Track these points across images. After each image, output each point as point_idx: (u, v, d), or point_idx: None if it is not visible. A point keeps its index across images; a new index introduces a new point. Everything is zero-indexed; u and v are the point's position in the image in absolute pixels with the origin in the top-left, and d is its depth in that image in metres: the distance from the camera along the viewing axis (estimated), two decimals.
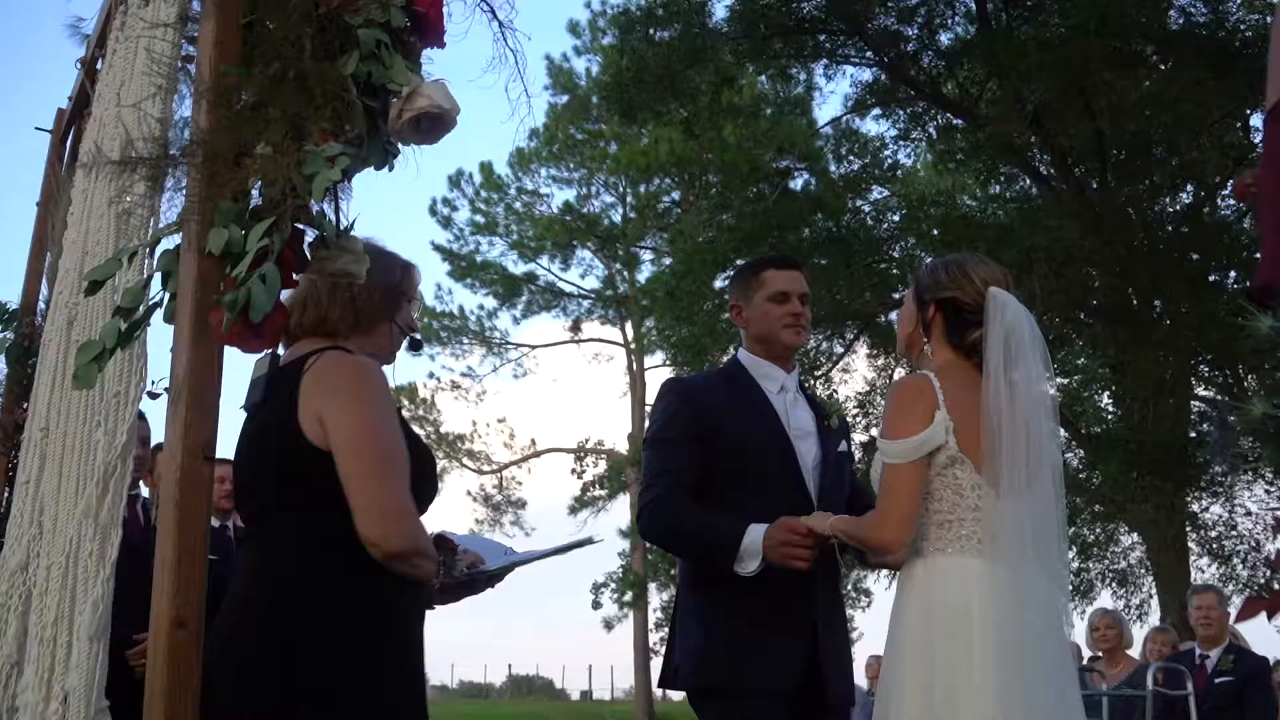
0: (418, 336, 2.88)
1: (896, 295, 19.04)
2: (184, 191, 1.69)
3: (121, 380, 1.91)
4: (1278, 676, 7.42)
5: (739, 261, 20.13)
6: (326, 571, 2.36)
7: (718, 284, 20.10)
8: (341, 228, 1.79)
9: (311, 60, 1.79)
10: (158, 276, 1.68)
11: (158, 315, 1.67)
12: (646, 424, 3.77)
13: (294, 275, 1.64)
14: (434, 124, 1.93)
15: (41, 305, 3.52)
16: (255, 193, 1.65)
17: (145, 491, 5.62)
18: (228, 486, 6.05)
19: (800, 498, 3.29)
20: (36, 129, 3.75)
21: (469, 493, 36.46)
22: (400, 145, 2.00)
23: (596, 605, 32.12)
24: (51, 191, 3.60)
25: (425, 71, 2.01)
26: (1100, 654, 7.52)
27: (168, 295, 1.66)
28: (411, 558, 2.35)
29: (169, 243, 1.69)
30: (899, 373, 18.75)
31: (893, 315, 19.87)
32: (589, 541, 3.16)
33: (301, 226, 1.67)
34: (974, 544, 2.79)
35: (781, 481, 3.32)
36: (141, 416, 6.19)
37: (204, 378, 1.65)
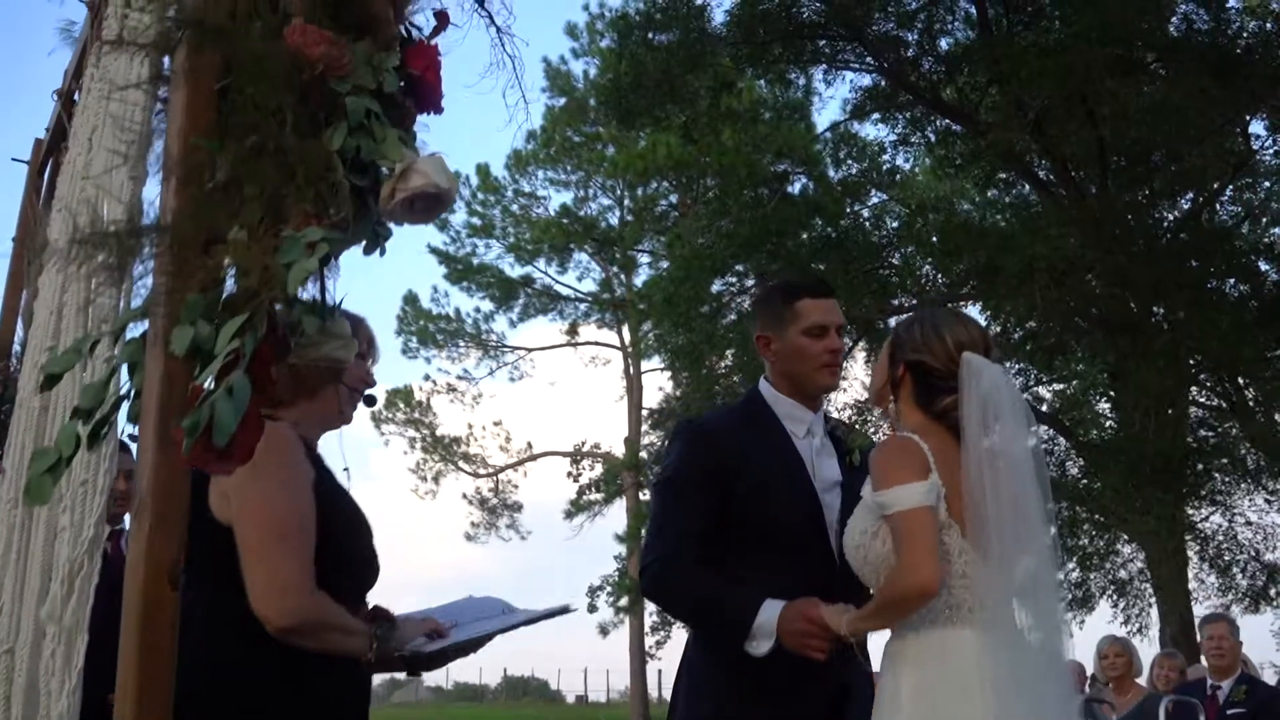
0: (372, 393, 2.76)
1: (895, 302, 18.96)
2: (151, 278, 1.54)
3: (90, 468, 1.77)
4: None
5: (738, 267, 20.15)
6: (233, 655, 2.27)
7: (715, 288, 20.05)
8: (328, 310, 1.64)
9: (293, 133, 1.63)
10: (124, 369, 1.53)
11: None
12: (659, 464, 3.45)
13: (271, 371, 1.47)
14: (430, 204, 1.77)
15: (17, 347, 3.37)
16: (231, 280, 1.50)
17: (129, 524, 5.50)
18: None
19: (823, 556, 3.03)
20: (13, 160, 3.61)
21: (465, 496, 36.39)
22: (393, 226, 1.84)
23: (592, 609, 32.01)
24: (28, 226, 3.45)
25: (420, 141, 1.85)
26: (1109, 682, 7.37)
27: (134, 391, 1.51)
28: (308, 633, 2.25)
29: (136, 328, 1.55)
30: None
31: (892, 321, 19.77)
32: (565, 610, 3.01)
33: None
34: (964, 612, 2.66)
35: (804, 538, 3.05)
36: (124, 448, 6.11)
37: (170, 492, 1.48)
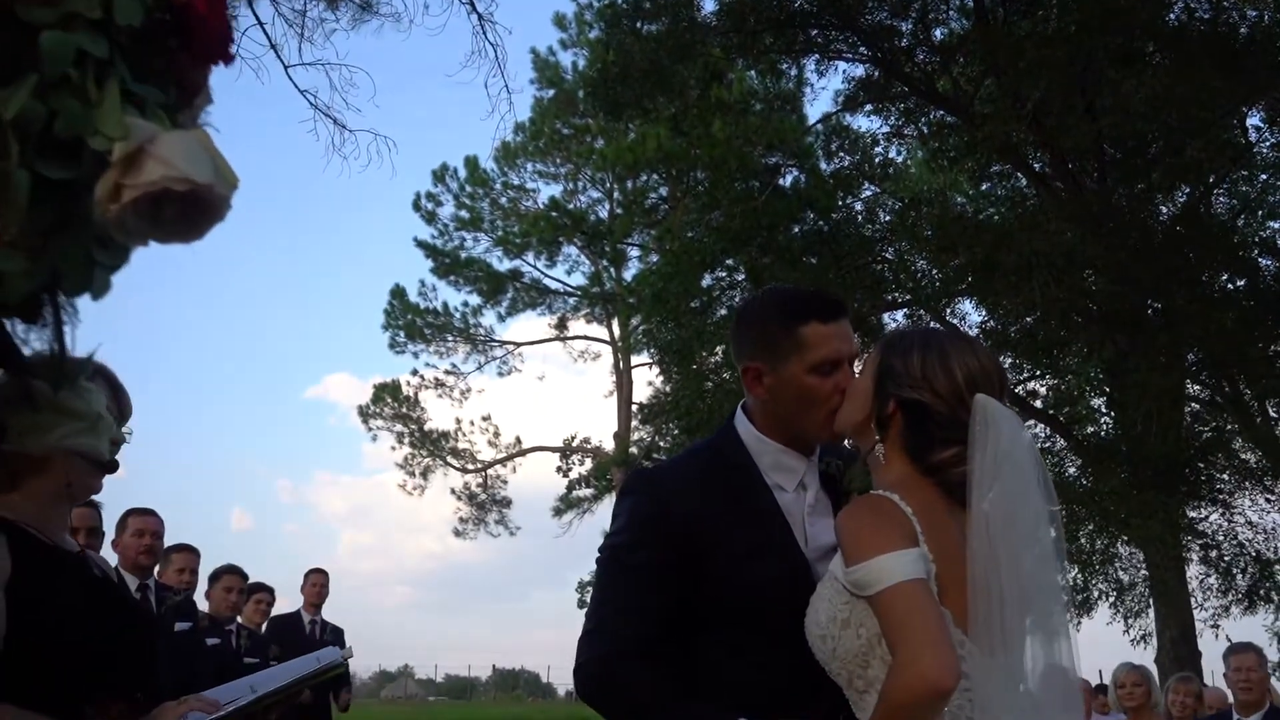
0: (116, 459, 2.34)
1: (890, 297, 18.63)
2: None
3: None
4: None
5: (729, 261, 19.85)
6: None
7: (705, 283, 19.74)
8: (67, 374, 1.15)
9: None
10: None
11: None
12: (608, 526, 2.59)
13: None
14: (187, 210, 1.13)
15: None
16: None
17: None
18: (148, 540, 5.60)
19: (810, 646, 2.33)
20: None
21: (453, 491, 36.08)
22: (132, 239, 1.16)
23: (582, 604, 31.70)
24: None
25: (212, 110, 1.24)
26: (1125, 713, 6.97)
27: None
28: None
29: None
30: None
31: (885, 317, 19.46)
32: (339, 665, 2.61)
33: None
34: None
35: (791, 621, 2.33)
36: (153, 512, 5.85)
37: None
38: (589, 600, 2.50)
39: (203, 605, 7.12)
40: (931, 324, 19.14)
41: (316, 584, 8.73)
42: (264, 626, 7.98)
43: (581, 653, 2.40)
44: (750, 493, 2.51)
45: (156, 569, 6.05)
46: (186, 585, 6.57)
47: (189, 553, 6.70)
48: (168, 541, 6.72)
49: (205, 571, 7.42)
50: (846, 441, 2.58)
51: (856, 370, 2.50)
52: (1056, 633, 2.18)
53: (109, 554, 5.55)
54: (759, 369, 2.52)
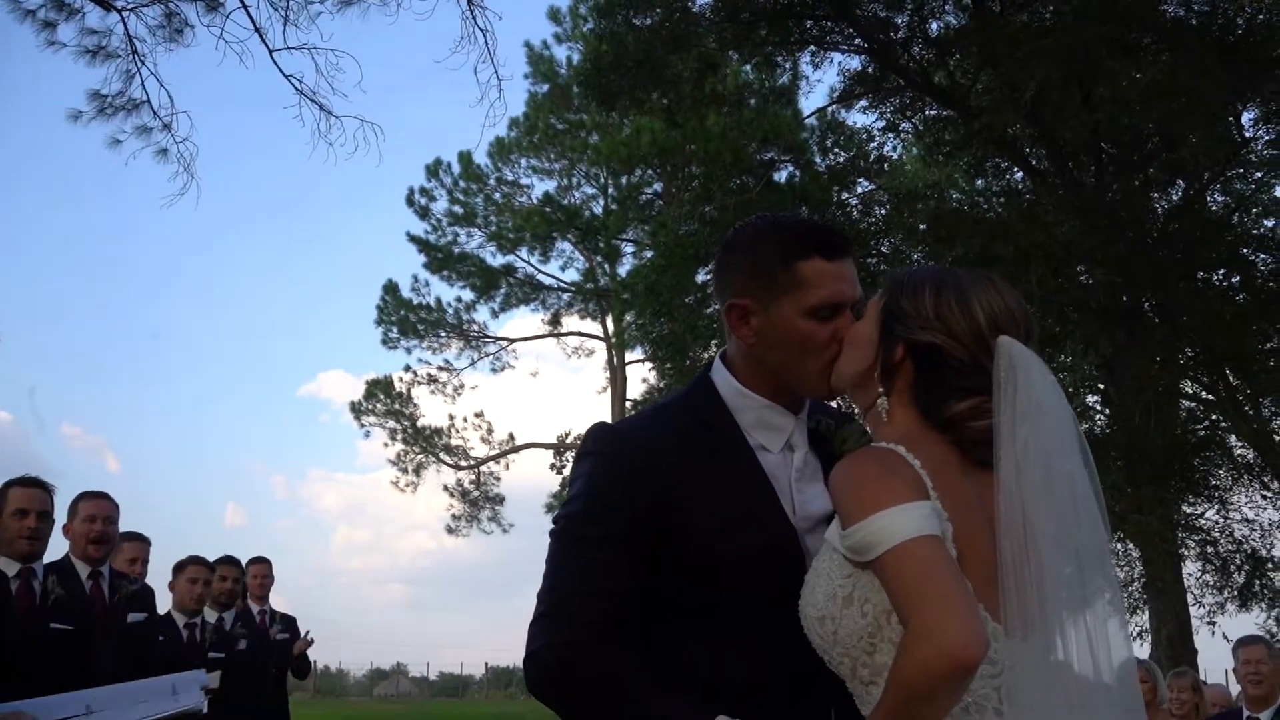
0: None
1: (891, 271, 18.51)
2: None
3: None
4: None
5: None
6: None
7: (699, 278, 19.63)
8: None
9: None
10: None
11: None
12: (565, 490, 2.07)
13: None
14: None
15: None
16: None
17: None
18: (99, 527, 5.39)
19: (800, 628, 1.99)
20: None
21: (446, 488, 35.88)
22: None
23: None
24: None
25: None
26: None
27: None
28: None
29: None
30: None
31: None
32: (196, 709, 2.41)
33: None
34: (990, 714, 1.79)
35: (775, 604, 2.02)
36: (105, 496, 5.63)
37: None
38: (542, 579, 2.12)
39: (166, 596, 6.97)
40: None
41: (258, 575, 8.54)
42: (229, 620, 7.79)
43: (533, 640, 2.06)
44: (729, 454, 2.16)
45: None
46: (137, 576, 6.37)
47: (139, 541, 6.49)
48: (165, 546, 6.60)
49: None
50: (838, 401, 2.30)
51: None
52: (1085, 605, 1.85)
53: (60, 540, 5.31)
54: (746, 306, 2.16)
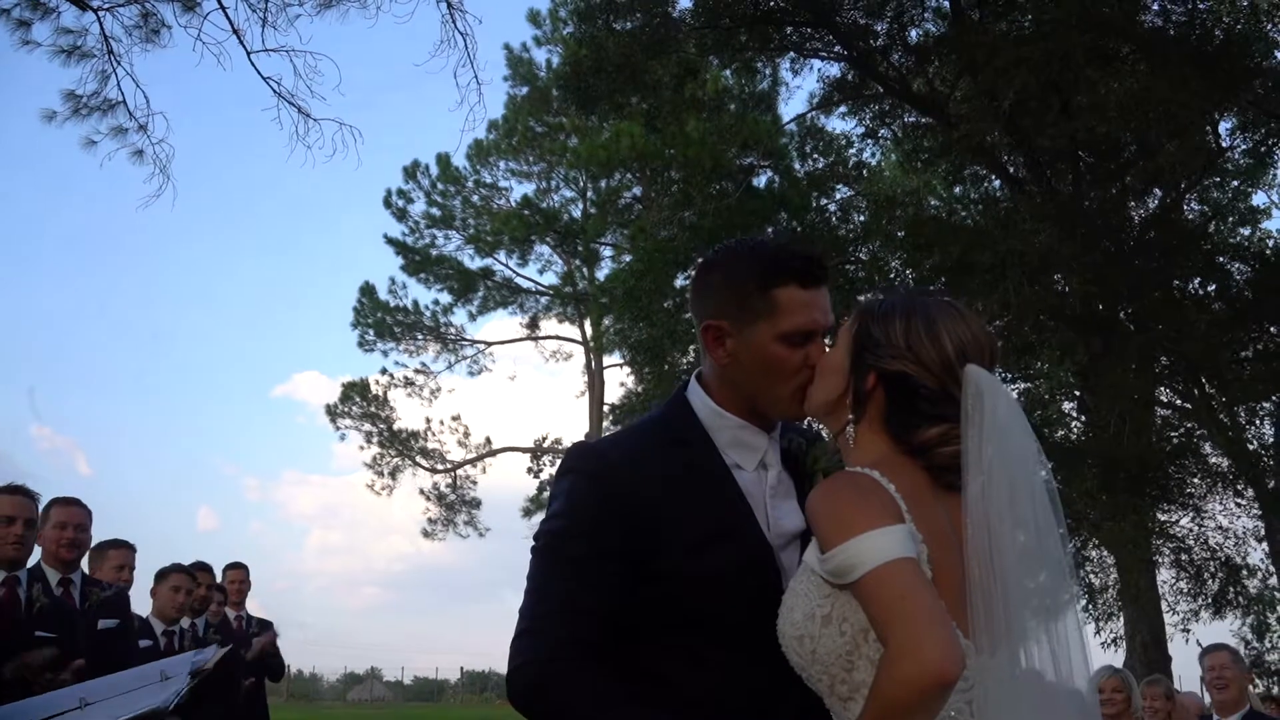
0: None
1: (863, 298, 18.54)
2: None
3: None
4: None
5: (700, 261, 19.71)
6: None
7: (678, 283, 19.63)
8: None
9: None
10: None
11: None
12: (545, 508, 2.19)
13: None
14: None
15: None
16: None
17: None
18: (70, 534, 5.35)
19: (773, 643, 2.04)
20: None
21: (422, 491, 35.78)
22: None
23: None
24: None
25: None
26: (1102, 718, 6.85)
27: None
28: None
29: None
30: None
31: None
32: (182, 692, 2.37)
33: None
34: None
35: (750, 619, 2.09)
36: (77, 502, 5.57)
37: None
38: (524, 595, 2.16)
39: (147, 604, 6.90)
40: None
41: (235, 580, 8.61)
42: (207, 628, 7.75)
43: (516, 656, 2.10)
44: (706, 472, 2.21)
45: (85, 563, 5.77)
46: (124, 583, 6.32)
47: (125, 549, 6.45)
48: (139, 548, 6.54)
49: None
50: (807, 421, 2.34)
51: (829, 346, 2.24)
52: (1049, 620, 1.93)
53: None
54: (722, 328, 2.22)
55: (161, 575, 7.03)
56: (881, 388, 2.05)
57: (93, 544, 5.84)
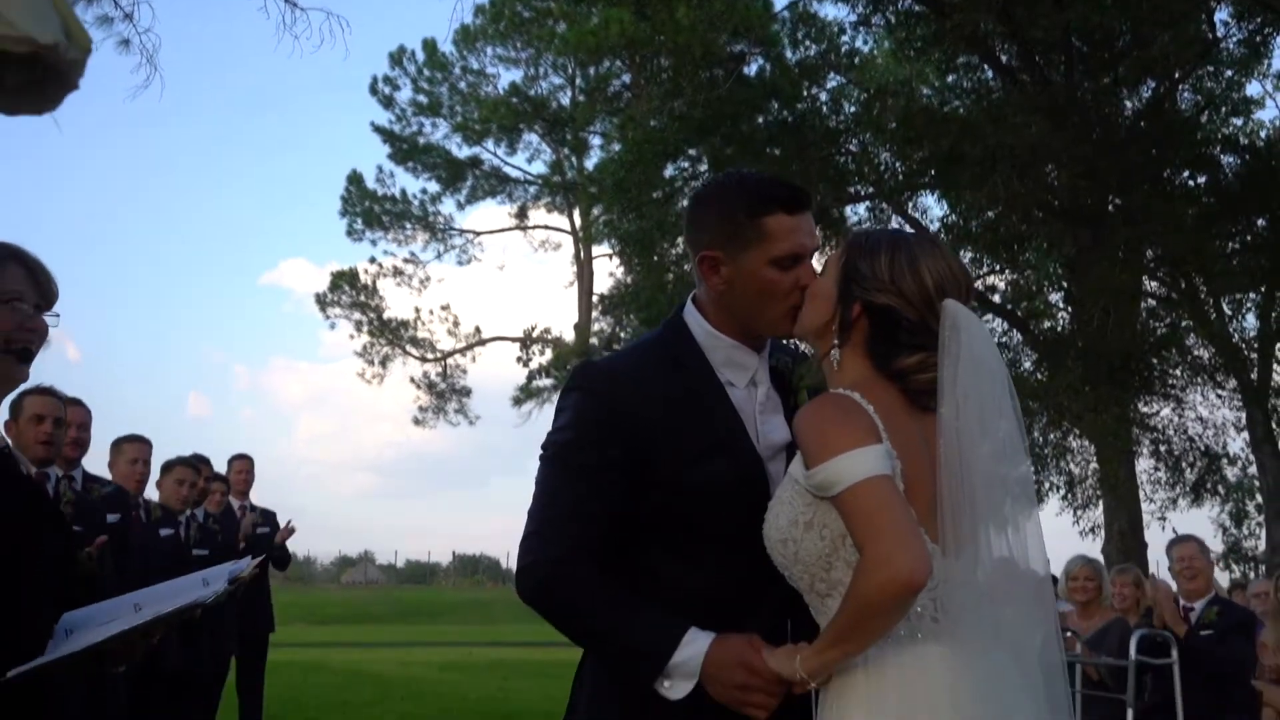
0: (26, 346, 2.24)
1: (853, 189, 18.50)
2: None
3: None
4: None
5: (691, 151, 19.59)
6: None
7: (668, 173, 19.52)
8: None
9: None
10: None
11: None
12: (551, 422, 2.46)
13: None
14: (34, 75, 1.00)
15: None
16: None
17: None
18: (74, 433, 5.49)
19: (759, 546, 2.25)
20: None
21: (413, 380, 36.04)
22: None
23: None
24: None
25: None
26: (1073, 606, 7.10)
27: None
28: None
29: None
30: None
31: (848, 210, 19.35)
32: (232, 586, 2.50)
33: None
34: (927, 623, 2.08)
35: (739, 524, 2.28)
36: (78, 402, 5.67)
37: None
38: (532, 499, 2.37)
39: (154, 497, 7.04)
40: (894, 218, 19.13)
41: (241, 470, 8.80)
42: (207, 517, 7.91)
43: (525, 555, 2.31)
44: (702, 390, 2.41)
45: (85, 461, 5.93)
46: (139, 477, 6.49)
47: (141, 443, 6.60)
48: (122, 430, 6.67)
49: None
50: (793, 340, 2.54)
51: (817, 266, 2.42)
52: (1008, 525, 2.16)
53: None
54: (716, 258, 2.39)
55: (166, 468, 7.18)
56: (866, 317, 2.23)
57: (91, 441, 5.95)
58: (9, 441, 2.50)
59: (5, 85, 0.97)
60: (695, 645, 2.17)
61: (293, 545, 9.32)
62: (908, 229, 19.39)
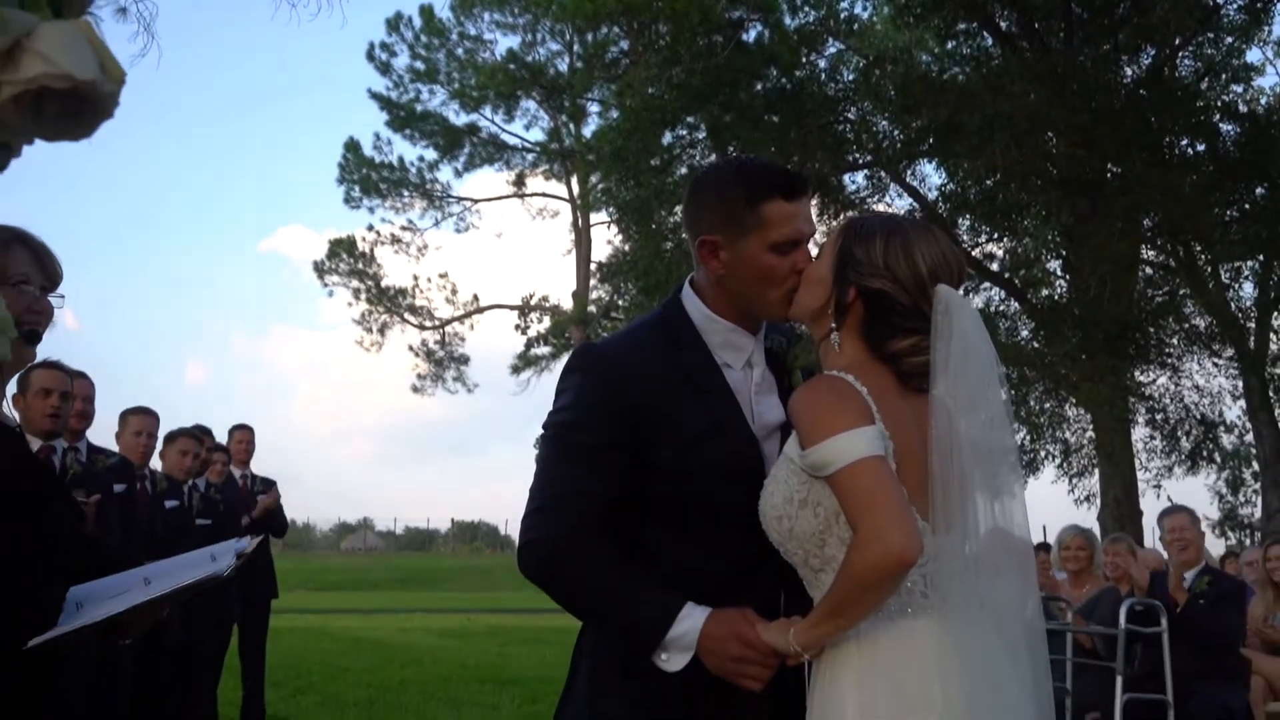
0: (34, 328, 2.26)
1: (851, 158, 18.45)
2: None
3: None
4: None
5: (689, 119, 19.52)
6: None
7: (665, 140, 19.45)
8: None
9: None
10: None
11: None
12: (552, 402, 2.51)
13: None
14: (69, 107, 1.07)
15: None
16: None
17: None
18: (80, 405, 5.56)
19: (754, 525, 2.32)
20: None
21: (411, 348, 36.07)
22: (14, 138, 1.11)
23: None
24: None
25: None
26: (1066, 574, 7.18)
27: None
28: None
29: None
30: None
31: (846, 178, 19.31)
32: (235, 565, 2.55)
33: None
34: (917, 597, 2.15)
35: (734, 503, 2.35)
36: (83, 375, 5.72)
37: None
38: (533, 478, 2.42)
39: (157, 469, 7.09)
40: (892, 186, 19.11)
41: (242, 440, 8.83)
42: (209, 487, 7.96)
43: (528, 532, 2.36)
44: (700, 372, 2.46)
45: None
46: (144, 449, 6.56)
47: (147, 415, 6.66)
48: (126, 403, 6.73)
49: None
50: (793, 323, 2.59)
51: (813, 250, 2.47)
52: (999, 494, 2.23)
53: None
54: (715, 242, 2.43)
55: (170, 439, 7.23)
56: (860, 301, 2.29)
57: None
58: (18, 419, 2.54)
59: (45, 114, 1.05)
60: (691, 619, 2.24)
61: (292, 512, 9.36)
62: (906, 198, 19.58)
